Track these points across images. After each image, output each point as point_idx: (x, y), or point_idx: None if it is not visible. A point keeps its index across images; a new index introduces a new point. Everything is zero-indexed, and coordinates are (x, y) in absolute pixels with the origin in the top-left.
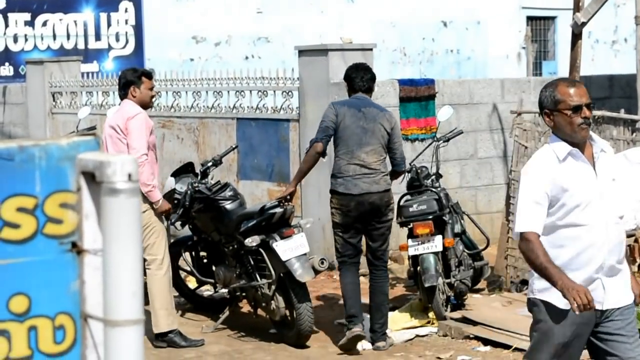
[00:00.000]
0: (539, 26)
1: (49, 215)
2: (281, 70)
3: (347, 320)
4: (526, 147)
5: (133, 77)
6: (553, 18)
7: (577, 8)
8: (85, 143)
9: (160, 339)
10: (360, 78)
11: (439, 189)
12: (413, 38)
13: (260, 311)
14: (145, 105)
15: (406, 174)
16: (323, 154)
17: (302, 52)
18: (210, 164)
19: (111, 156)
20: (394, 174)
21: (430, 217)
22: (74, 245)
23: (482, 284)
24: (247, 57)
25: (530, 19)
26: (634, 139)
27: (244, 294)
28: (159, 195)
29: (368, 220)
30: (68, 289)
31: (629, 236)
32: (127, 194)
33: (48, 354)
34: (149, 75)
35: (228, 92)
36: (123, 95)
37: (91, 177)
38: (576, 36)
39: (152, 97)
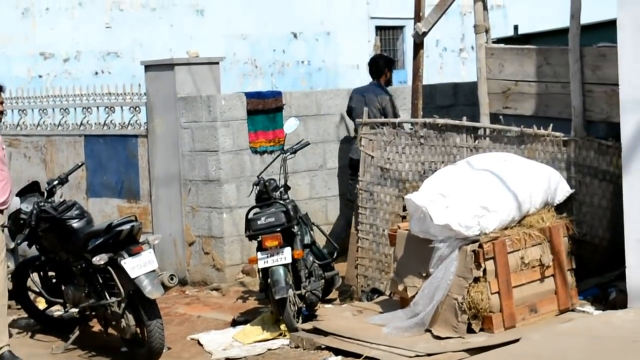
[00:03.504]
0: (388, 36)
1: None
2: (131, 85)
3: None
4: (372, 157)
5: None
6: (401, 27)
7: (418, 18)
8: None
9: None
10: (369, 70)
11: (287, 200)
12: (263, 50)
13: (110, 330)
14: None
15: (254, 187)
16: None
17: (149, 67)
18: (56, 182)
19: None
20: None
21: (279, 229)
22: None
23: (333, 294)
24: (96, 73)
25: (379, 28)
26: (477, 146)
27: (94, 313)
28: None
29: None
30: None
31: (473, 242)
32: None
33: None
34: None
35: (75, 108)
36: None
37: None
38: (418, 46)
39: None
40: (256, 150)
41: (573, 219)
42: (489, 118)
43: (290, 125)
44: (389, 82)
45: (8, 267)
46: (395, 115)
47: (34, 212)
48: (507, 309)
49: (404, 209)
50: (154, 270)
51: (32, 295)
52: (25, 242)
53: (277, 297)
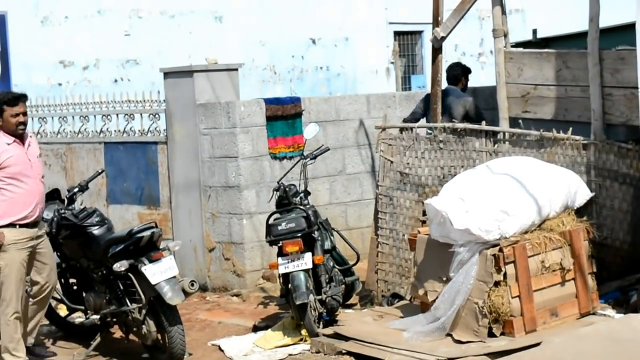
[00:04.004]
0: (406, 41)
1: None
2: (150, 92)
3: None
4: (392, 162)
5: None
6: (420, 32)
7: (436, 23)
8: None
9: None
10: (447, 76)
11: (307, 206)
12: (282, 56)
13: (132, 336)
14: (13, 132)
15: (274, 192)
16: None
17: (168, 74)
18: (76, 189)
19: None
20: None
21: (299, 234)
22: None
23: (354, 299)
24: (116, 80)
25: (397, 33)
26: (496, 150)
27: (115, 319)
28: None
29: None
30: None
31: (493, 246)
32: None
33: None
34: (9, 102)
35: (95, 116)
36: None
37: None
38: (436, 50)
39: (19, 123)
40: (275, 156)
41: (593, 222)
42: (509, 122)
43: (310, 130)
44: (464, 89)
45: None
46: (480, 117)
47: (55, 219)
48: (528, 313)
49: (424, 213)
50: (174, 277)
51: (53, 302)
52: None
53: (297, 303)
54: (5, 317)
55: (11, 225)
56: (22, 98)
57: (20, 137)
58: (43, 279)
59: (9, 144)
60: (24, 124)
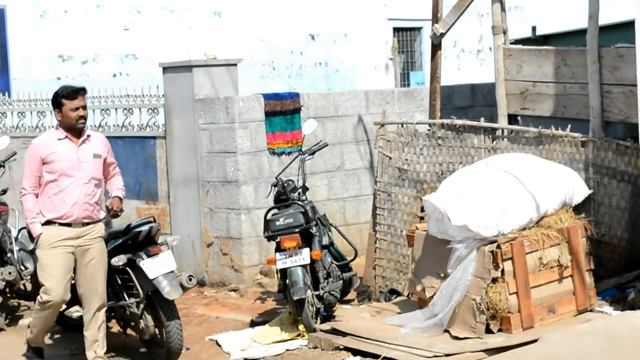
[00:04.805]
0: (406, 37)
1: None
2: (149, 87)
3: None
4: (390, 158)
5: (53, 101)
6: (419, 29)
7: (435, 19)
8: None
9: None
10: None
11: (305, 202)
12: (281, 52)
13: (129, 330)
14: (73, 127)
15: (273, 188)
16: None
17: (167, 69)
18: None
19: None
20: None
21: (297, 230)
22: None
23: (351, 295)
24: (115, 75)
25: (396, 30)
26: (495, 146)
27: (112, 313)
28: (36, 230)
29: None
30: None
31: (491, 242)
32: None
33: None
34: (68, 96)
35: (94, 110)
36: None
37: None
38: (435, 47)
39: (79, 117)
40: (274, 152)
41: (591, 219)
42: (507, 119)
43: (308, 126)
44: None
45: (27, 268)
46: None
47: None
48: (526, 310)
49: (422, 209)
50: (172, 271)
51: None
52: None
53: (295, 298)
54: (37, 304)
55: (50, 222)
56: (80, 91)
57: (79, 133)
58: (87, 303)
59: (59, 139)
60: (85, 117)
